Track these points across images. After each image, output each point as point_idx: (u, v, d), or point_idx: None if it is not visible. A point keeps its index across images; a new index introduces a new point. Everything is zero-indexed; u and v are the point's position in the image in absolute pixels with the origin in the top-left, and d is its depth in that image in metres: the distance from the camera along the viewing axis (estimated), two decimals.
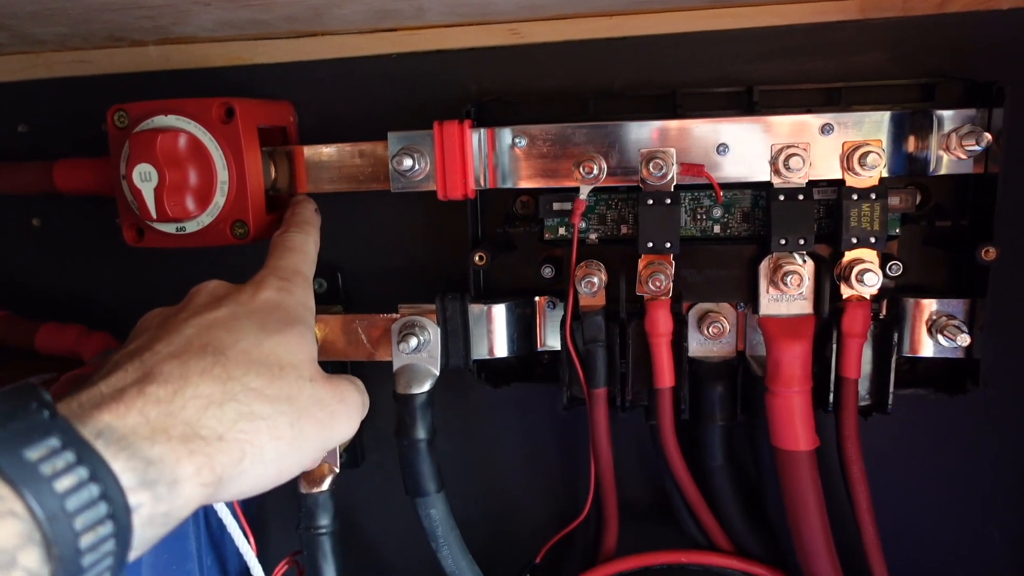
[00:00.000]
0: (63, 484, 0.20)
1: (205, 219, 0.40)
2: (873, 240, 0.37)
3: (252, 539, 0.43)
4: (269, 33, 0.43)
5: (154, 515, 0.23)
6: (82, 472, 0.21)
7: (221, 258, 0.44)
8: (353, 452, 0.48)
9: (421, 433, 0.40)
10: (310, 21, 0.40)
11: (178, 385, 0.25)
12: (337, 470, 0.43)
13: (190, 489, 0.24)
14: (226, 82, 0.45)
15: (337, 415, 0.30)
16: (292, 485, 0.44)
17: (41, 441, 0.21)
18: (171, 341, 0.27)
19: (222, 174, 0.39)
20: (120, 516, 0.22)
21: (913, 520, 0.44)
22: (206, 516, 0.45)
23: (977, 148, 0.36)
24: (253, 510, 0.49)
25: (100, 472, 0.21)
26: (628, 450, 0.45)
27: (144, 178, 0.38)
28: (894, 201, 0.38)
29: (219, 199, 0.40)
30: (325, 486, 0.43)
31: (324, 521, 0.42)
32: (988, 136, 0.35)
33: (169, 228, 0.40)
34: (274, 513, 0.50)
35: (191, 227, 0.40)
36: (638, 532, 0.45)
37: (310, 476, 0.44)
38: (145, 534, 0.23)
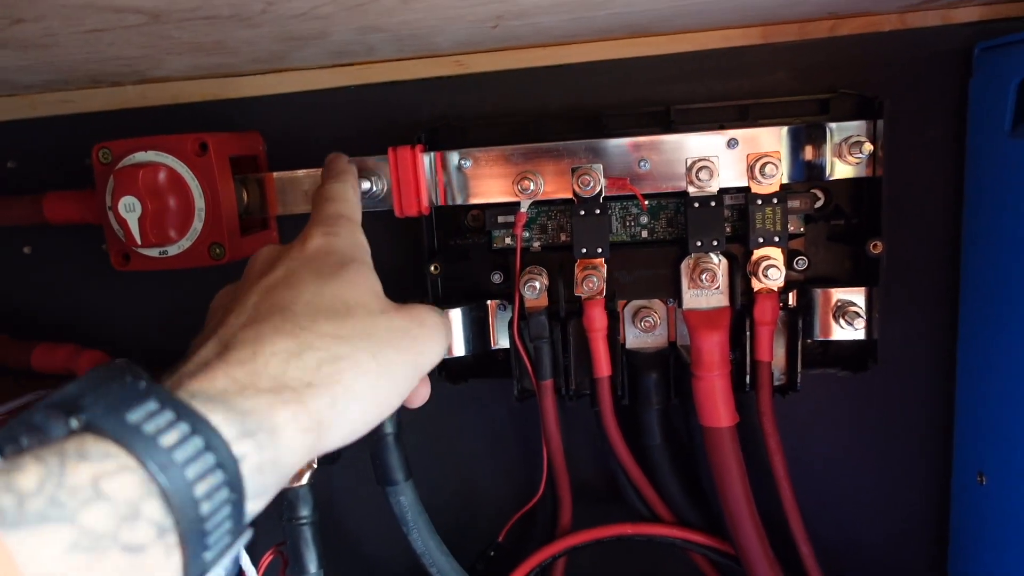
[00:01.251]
0: (168, 440, 0.21)
1: (185, 243, 0.44)
2: (777, 239, 0.42)
3: None
4: (238, 71, 0.48)
5: (262, 463, 0.23)
6: (183, 427, 0.21)
7: (201, 277, 0.49)
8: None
9: (388, 427, 0.45)
10: (274, 61, 0.44)
11: (255, 347, 0.25)
12: (315, 466, 0.47)
13: (291, 434, 0.24)
14: (199, 117, 0.49)
15: (420, 338, 0.30)
16: None
17: (140, 405, 0.21)
18: (240, 313, 0.28)
19: (199, 202, 0.44)
20: (228, 465, 0.22)
21: (832, 485, 0.49)
22: None
23: (862, 156, 0.41)
24: None
25: (200, 427, 0.22)
26: (579, 435, 0.50)
27: (129, 209, 0.42)
28: (795, 204, 0.43)
29: (197, 225, 0.44)
30: (305, 480, 0.47)
31: (305, 512, 0.47)
32: (868, 145, 0.40)
33: (153, 252, 0.45)
34: None
35: (173, 251, 0.44)
36: (591, 509, 0.50)
37: None
38: (259, 482, 0.23)
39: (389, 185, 0.45)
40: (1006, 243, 0.40)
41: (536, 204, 0.45)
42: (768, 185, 0.41)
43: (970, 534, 0.46)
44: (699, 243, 0.42)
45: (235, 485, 0.22)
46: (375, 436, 0.45)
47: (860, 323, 0.43)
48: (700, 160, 0.42)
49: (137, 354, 0.49)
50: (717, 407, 0.42)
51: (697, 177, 0.42)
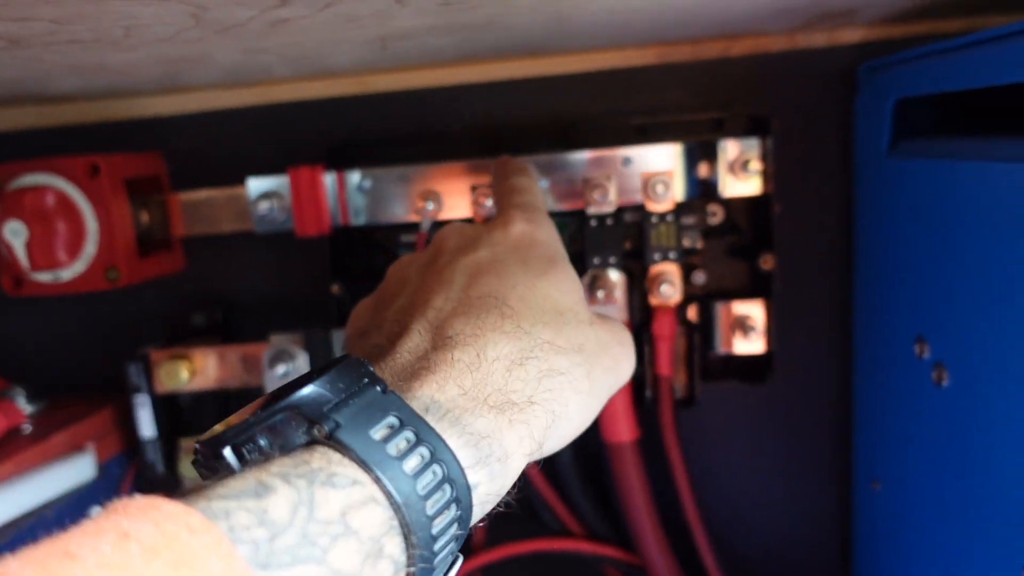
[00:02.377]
0: (410, 465, 0.19)
1: (79, 267, 0.43)
2: (672, 255, 0.43)
3: None
4: (136, 91, 0.47)
5: (488, 495, 0.22)
6: (424, 452, 0.20)
7: (98, 301, 0.48)
8: None
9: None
10: (170, 81, 0.44)
11: (479, 347, 0.23)
12: None
13: (517, 462, 0.22)
14: (99, 137, 0.48)
15: (620, 358, 0.28)
16: None
17: (382, 420, 0.20)
18: (447, 294, 0.25)
19: (91, 225, 0.43)
20: (463, 498, 0.20)
21: (739, 494, 0.50)
22: None
23: (753, 173, 0.42)
24: None
25: (440, 452, 0.20)
26: None
27: (14, 233, 0.41)
28: (689, 221, 0.44)
29: (90, 248, 0.43)
30: None
31: None
32: (755, 163, 0.41)
33: (45, 277, 0.43)
34: None
35: (66, 275, 0.43)
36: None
37: None
38: (477, 514, 0.22)
39: (290, 205, 0.44)
40: (891, 259, 0.41)
41: (439, 223, 0.45)
42: (662, 203, 0.42)
43: (870, 538, 0.47)
44: (596, 260, 0.43)
45: (464, 520, 0.20)
46: None
47: (754, 335, 0.43)
48: (594, 180, 0.42)
49: (35, 379, 0.48)
50: (618, 422, 0.43)
51: (593, 195, 0.42)
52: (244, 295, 0.50)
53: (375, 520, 0.18)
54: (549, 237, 0.30)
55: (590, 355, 0.26)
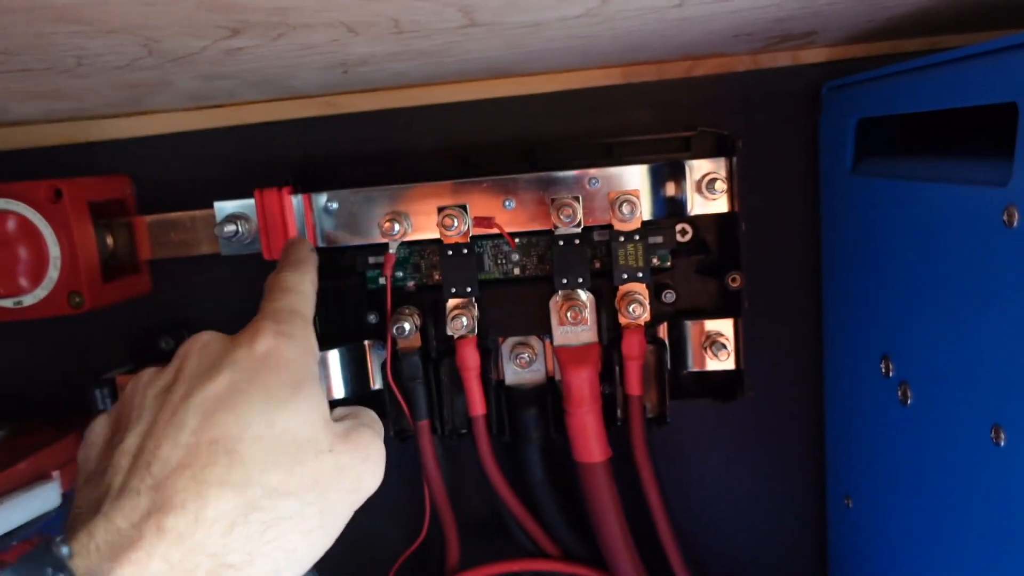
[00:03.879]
0: None
1: (41, 292, 0.43)
2: (640, 275, 0.43)
3: None
4: (99, 114, 0.47)
5: None
6: None
7: (64, 326, 0.47)
8: None
9: None
10: (132, 105, 0.43)
11: (197, 511, 0.22)
12: None
13: None
14: (61, 161, 0.48)
15: (363, 476, 0.28)
16: None
17: None
18: (176, 439, 0.24)
19: (54, 250, 0.42)
20: None
21: (715, 512, 0.50)
22: None
23: (718, 192, 0.42)
24: None
25: None
26: (468, 472, 0.49)
27: None
28: (657, 240, 0.44)
29: (53, 273, 0.42)
30: None
31: None
32: (721, 182, 0.42)
33: (6, 303, 0.43)
34: None
35: (28, 300, 0.43)
36: (483, 546, 0.49)
37: None
38: None
39: (257, 228, 0.44)
40: (856, 276, 0.41)
41: (408, 244, 0.45)
42: (629, 222, 0.42)
43: (844, 556, 0.47)
44: (565, 280, 0.43)
45: None
46: None
47: (724, 354, 0.44)
48: (562, 199, 0.42)
49: None
50: (589, 443, 0.43)
51: (560, 216, 0.42)
52: (212, 318, 0.49)
53: None
54: (299, 353, 0.29)
55: (326, 487, 0.26)
